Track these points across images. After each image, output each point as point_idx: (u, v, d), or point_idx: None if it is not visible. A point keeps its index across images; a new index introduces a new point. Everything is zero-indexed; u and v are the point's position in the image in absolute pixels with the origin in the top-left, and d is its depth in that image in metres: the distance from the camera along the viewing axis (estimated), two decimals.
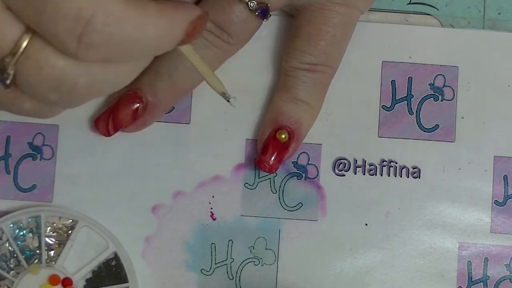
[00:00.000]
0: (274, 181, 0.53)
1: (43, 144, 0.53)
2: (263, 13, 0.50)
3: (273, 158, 0.51)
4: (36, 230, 0.52)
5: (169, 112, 0.53)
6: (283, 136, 0.51)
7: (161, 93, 0.50)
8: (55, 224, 0.52)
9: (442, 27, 0.54)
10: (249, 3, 0.49)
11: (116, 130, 0.51)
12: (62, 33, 0.38)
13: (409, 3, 0.54)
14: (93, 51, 0.39)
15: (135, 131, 0.52)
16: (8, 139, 0.53)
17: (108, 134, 0.51)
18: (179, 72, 0.50)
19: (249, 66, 0.53)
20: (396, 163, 0.54)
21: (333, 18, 0.50)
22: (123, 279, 0.52)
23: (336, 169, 0.53)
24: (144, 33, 0.39)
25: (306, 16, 0.50)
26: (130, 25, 0.39)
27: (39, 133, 0.53)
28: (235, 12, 0.49)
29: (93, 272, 0.52)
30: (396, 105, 0.54)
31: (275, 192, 0.53)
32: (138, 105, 0.51)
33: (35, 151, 0.53)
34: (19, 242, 0.52)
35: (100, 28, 0.38)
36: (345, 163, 0.53)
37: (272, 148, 0.51)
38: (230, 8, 0.49)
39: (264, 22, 0.50)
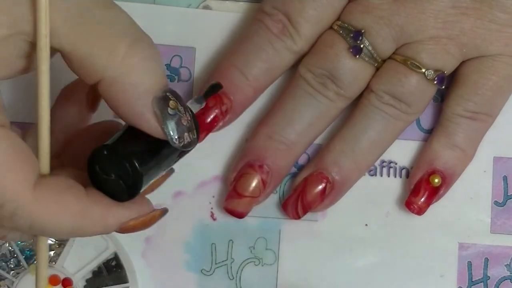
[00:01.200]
0: None
1: None
2: (441, 80, 0.50)
3: (422, 200, 0.52)
4: None
5: None
6: (436, 180, 0.51)
7: (347, 170, 0.51)
8: None
9: None
10: (425, 72, 0.49)
11: (305, 212, 0.51)
12: None
13: None
14: (7, 228, 0.40)
15: (322, 210, 0.52)
16: None
17: (298, 217, 0.51)
18: (362, 147, 0.51)
19: None
20: (396, 163, 0.54)
21: (502, 70, 0.50)
22: (123, 279, 0.52)
23: None
24: (56, 226, 0.40)
25: (475, 65, 0.50)
26: (40, 218, 0.39)
27: None
28: (413, 83, 0.50)
29: (93, 272, 0.52)
30: None
31: (275, 192, 0.53)
32: (325, 185, 0.51)
33: None
34: (19, 242, 0.52)
35: (9, 217, 0.39)
36: None
37: (423, 191, 0.52)
38: (407, 80, 0.50)
39: None
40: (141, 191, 0.42)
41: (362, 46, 0.49)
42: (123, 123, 0.42)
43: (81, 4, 0.39)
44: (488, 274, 0.53)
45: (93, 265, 0.52)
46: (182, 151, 0.43)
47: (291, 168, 0.52)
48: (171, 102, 0.41)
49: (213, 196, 0.53)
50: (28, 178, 0.39)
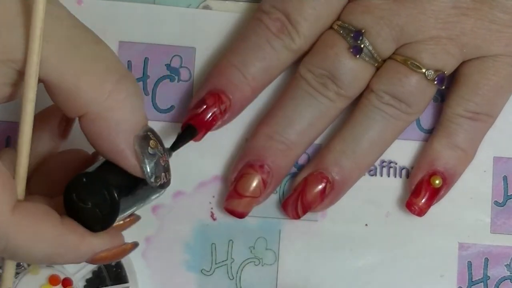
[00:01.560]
0: None
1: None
2: (441, 81, 0.50)
3: (423, 201, 0.52)
4: None
5: (170, 112, 0.53)
6: (437, 181, 0.51)
7: (347, 170, 0.51)
8: None
9: None
10: (426, 72, 0.49)
11: (305, 212, 0.51)
12: None
13: None
14: None
15: (321, 210, 0.52)
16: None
17: (298, 217, 0.52)
18: (363, 148, 0.51)
19: None
20: (396, 163, 0.54)
21: (503, 70, 0.50)
22: (123, 279, 0.52)
23: None
24: (30, 250, 0.40)
25: (476, 65, 0.50)
26: (15, 241, 0.39)
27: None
28: (413, 83, 0.50)
29: (93, 272, 0.52)
30: None
31: (275, 192, 0.53)
32: (325, 185, 0.51)
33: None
34: None
35: None
36: None
37: (424, 192, 0.52)
38: (407, 80, 0.50)
39: None
40: (115, 222, 0.42)
41: (362, 46, 0.49)
42: (90, 152, 0.43)
43: (71, 38, 0.40)
44: (488, 274, 0.53)
45: (93, 265, 0.52)
46: (157, 192, 0.43)
47: (291, 168, 0.52)
48: (151, 141, 0.41)
49: (213, 196, 0.53)
50: (6, 201, 0.39)
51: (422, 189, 0.52)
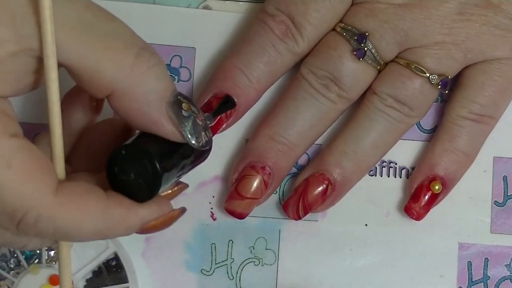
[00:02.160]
0: None
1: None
2: (444, 85, 0.50)
3: (421, 206, 0.52)
4: None
5: None
6: (437, 187, 0.51)
7: (348, 171, 0.51)
8: None
9: None
10: (430, 77, 0.49)
11: (306, 213, 0.51)
12: (3, 221, 0.40)
13: None
14: (31, 236, 0.41)
15: (322, 211, 0.52)
16: None
17: (298, 218, 0.52)
18: (364, 149, 0.51)
19: None
20: (396, 164, 0.54)
21: (509, 72, 0.51)
22: (123, 279, 0.52)
23: None
24: (79, 229, 0.40)
25: (481, 67, 0.50)
26: (63, 222, 0.39)
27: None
28: (417, 86, 0.50)
29: (93, 272, 0.52)
30: None
31: (276, 192, 0.53)
32: (326, 186, 0.51)
33: None
34: None
35: (32, 224, 0.39)
36: None
37: (423, 197, 0.52)
38: (411, 83, 0.50)
39: None
40: (160, 190, 0.42)
41: (365, 49, 0.49)
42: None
43: (85, 18, 0.40)
44: (488, 274, 0.53)
45: (93, 265, 0.52)
46: (197, 155, 0.43)
47: (291, 168, 0.52)
48: (184, 104, 0.41)
49: (213, 196, 0.53)
50: (49, 185, 0.39)
51: (422, 194, 0.52)
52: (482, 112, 0.51)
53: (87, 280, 0.52)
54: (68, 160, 0.44)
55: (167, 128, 0.41)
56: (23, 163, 0.39)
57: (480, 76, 0.51)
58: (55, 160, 0.41)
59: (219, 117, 0.50)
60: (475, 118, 0.51)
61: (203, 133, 0.42)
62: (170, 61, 0.53)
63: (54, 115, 0.40)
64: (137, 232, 0.42)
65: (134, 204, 0.42)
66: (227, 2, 0.54)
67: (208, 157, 0.53)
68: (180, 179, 0.45)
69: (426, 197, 0.52)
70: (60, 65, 0.40)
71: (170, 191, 0.45)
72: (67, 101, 0.44)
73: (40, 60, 0.40)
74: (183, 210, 0.45)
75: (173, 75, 0.53)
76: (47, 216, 0.39)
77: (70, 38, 0.39)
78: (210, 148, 0.43)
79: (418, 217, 0.52)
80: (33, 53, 0.39)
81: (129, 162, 0.41)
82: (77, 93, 0.45)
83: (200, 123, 0.42)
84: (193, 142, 0.42)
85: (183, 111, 0.41)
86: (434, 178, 0.51)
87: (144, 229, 0.42)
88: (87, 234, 0.41)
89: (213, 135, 0.50)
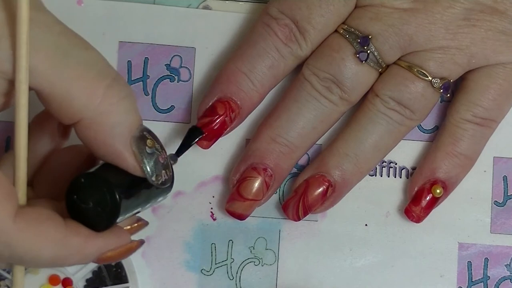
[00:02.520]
0: None
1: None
2: (446, 89, 0.50)
3: (422, 210, 0.52)
4: None
5: (170, 112, 0.53)
6: (438, 191, 0.51)
7: (349, 173, 0.51)
8: None
9: None
10: (432, 80, 0.49)
11: (306, 214, 0.51)
12: None
13: None
14: None
15: (322, 212, 0.52)
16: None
17: (298, 219, 0.52)
18: (365, 151, 0.51)
19: None
20: (396, 164, 0.54)
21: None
22: (123, 279, 0.52)
23: None
24: (35, 255, 0.40)
25: (485, 70, 0.50)
26: (19, 248, 0.39)
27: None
28: (419, 90, 0.50)
29: (93, 272, 0.52)
30: None
31: (276, 192, 0.53)
32: (326, 187, 0.51)
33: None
34: None
35: None
36: None
37: (424, 200, 0.52)
38: (413, 86, 0.50)
39: None
40: (119, 220, 0.42)
41: (368, 52, 0.49)
42: None
43: (60, 45, 0.40)
44: (488, 274, 0.53)
45: (93, 265, 0.52)
46: (157, 191, 0.43)
47: (292, 169, 0.52)
48: (148, 141, 0.41)
49: (213, 196, 0.53)
50: (8, 210, 0.39)
51: (422, 197, 0.52)
52: (486, 115, 0.51)
53: (87, 280, 0.52)
54: (30, 184, 0.44)
55: (129, 162, 0.41)
56: None
57: (485, 80, 0.50)
58: (18, 184, 0.41)
59: (222, 120, 0.50)
60: (478, 121, 0.51)
61: (163, 171, 0.42)
62: (170, 61, 0.53)
63: (21, 140, 0.40)
64: (94, 262, 0.42)
65: (92, 234, 0.42)
66: (227, 2, 0.54)
67: (208, 157, 0.53)
68: (143, 212, 0.45)
69: (427, 200, 0.52)
70: (30, 88, 0.39)
71: (129, 227, 0.45)
72: (35, 124, 0.44)
73: (10, 83, 0.40)
74: (141, 242, 0.45)
75: (173, 75, 0.53)
76: (3, 241, 0.39)
77: (44, 64, 0.39)
78: (171, 186, 0.44)
79: (418, 220, 0.52)
80: (5, 75, 0.39)
81: (88, 190, 0.41)
82: (46, 117, 0.44)
83: (162, 161, 0.42)
84: (153, 179, 0.42)
85: (147, 147, 0.41)
86: (436, 181, 0.51)
87: (101, 259, 0.42)
88: (42, 262, 0.41)
89: (217, 139, 0.50)
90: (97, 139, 0.41)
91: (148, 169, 0.42)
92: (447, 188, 0.52)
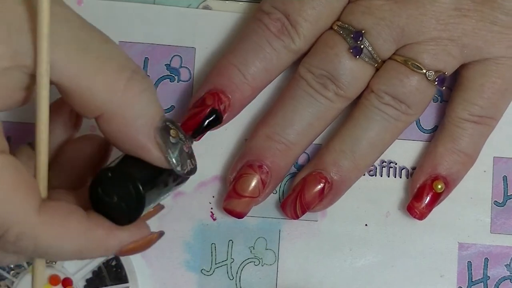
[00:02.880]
0: None
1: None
2: (441, 81, 0.50)
3: (424, 205, 0.52)
4: None
5: (170, 112, 0.53)
6: (440, 186, 0.51)
7: (346, 170, 0.51)
8: None
9: None
10: (426, 73, 0.49)
11: (304, 212, 0.51)
12: None
13: None
14: (9, 252, 0.41)
15: (321, 210, 0.52)
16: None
17: (296, 217, 0.51)
18: (362, 148, 0.51)
19: None
20: (396, 164, 0.54)
21: (507, 72, 0.50)
22: (123, 279, 0.52)
23: None
24: (59, 248, 0.40)
25: (480, 69, 0.50)
26: (44, 241, 0.40)
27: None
28: (414, 83, 0.50)
29: (93, 272, 0.52)
30: None
31: (275, 192, 0.53)
32: (323, 185, 0.51)
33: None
34: None
35: (13, 241, 0.39)
36: None
37: (426, 197, 0.52)
38: (408, 80, 0.50)
39: None
40: (142, 215, 0.42)
41: (362, 46, 0.49)
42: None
43: (80, 39, 0.40)
44: (488, 274, 0.53)
45: (93, 265, 0.52)
46: (180, 180, 0.43)
47: (290, 168, 0.52)
48: (172, 131, 0.41)
49: (213, 196, 0.53)
50: (32, 203, 0.39)
51: (424, 194, 0.52)
52: (482, 113, 0.51)
53: (87, 280, 0.52)
54: None
55: (154, 154, 0.41)
56: (8, 180, 0.39)
57: (479, 78, 0.51)
58: (39, 178, 0.41)
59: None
60: (475, 119, 0.51)
61: (188, 160, 0.42)
62: (170, 61, 0.53)
63: (42, 133, 0.40)
64: (115, 254, 0.42)
65: (114, 227, 0.42)
66: (227, 2, 0.54)
67: (208, 157, 0.53)
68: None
69: (429, 196, 0.52)
70: (51, 83, 0.39)
71: (146, 212, 0.45)
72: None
73: (31, 77, 0.40)
74: (161, 234, 0.45)
75: (173, 75, 0.53)
76: (29, 234, 0.39)
77: (64, 57, 0.39)
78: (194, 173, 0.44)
79: (421, 217, 0.52)
80: (26, 69, 0.39)
81: (114, 185, 0.41)
82: (58, 109, 0.44)
83: (187, 150, 0.42)
84: (179, 169, 0.42)
85: (171, 137, 0.41)
86: (437, 177, 0.51)
87: (123, 251, 0.42)
88: (66, 254, 0.41)
89: (206, 132, 0.50)
90: (120, 132, 0.41)
91: (174, 160, 0.41)
92: (448, 184, 0.52)
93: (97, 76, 0.40)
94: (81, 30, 0.40)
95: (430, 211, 0.52)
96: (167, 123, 0.41)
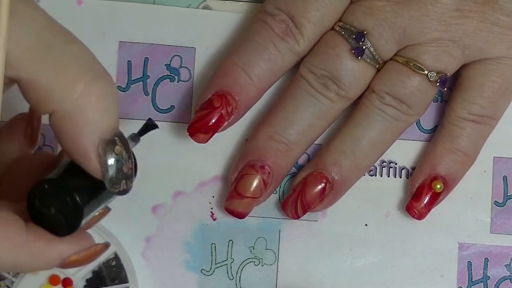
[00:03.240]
0: None
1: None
2: (443, 82, 0.50)
3: (423, 205, 0.52)
4: None
5: (170, 112, 0.53)
6: (439, 186, 0.51)
7: (346, 170, 0.51)
8: None
9: None
10: (428, 74, 0.49)
11: (304, 212, 0.51)
12: None
13: None
14: None
15: (321, 210, 0.52)
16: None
17: (297, 217, 0.51)
18: (363, 148, 0.51)
19: None
20: (396, 164, 0.54)
21: (508, 72, 0.50)
22: (123, 279, 0.52)
23: None
24: None
25: (479, 68, 0.50)
26: None
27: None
28: (415, 84, 0.50)
29: (93, 272, 0.52)
30: None
31: (275, 192, 0.53)
32: (324, 185, 0.51)
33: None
34: None
35: None
36: None
37: (425, 196, 0.52)
38: (409, 81, 0.50)
39: None
40: (81, 225, 0.41)
41: (364, 47, 0.49)
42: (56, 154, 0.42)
43: (43, 38, 0.39)
44: (488, 274, 0.53)
45: (93, 265, 0.52)
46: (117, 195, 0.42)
47: (291, 168, 0.52)
48: (117, 147, 0.40)
49: (213, 196, 0.53)
50: None
51: (423, 193, 0.52)
52: (482, 113, 0.51)
53: (87, 280, 0.52)
54: None
55: (93, 165, 0.40)
56: None
57: (480, 78, 0.51)
58: None
59: (219, 113, 0.50)
60: (475, 119, 0.51)
61: (124, 181, 0.41)
62: (170, 61, 0.53)
63: None
64: (59, 267, 0.41)
65: (54, 238, 0.41)
66: (227, 2, 0.54)
67: (208, 157, 0.53)
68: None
69: (428, 196, 0.52)
70: (10, 79, 0.39)
71: (89, 219, 0.44)
72: (7, 129, 0.44)
73: None
74: (106, 245, 0.44)
75: (173, 75, 0.53)
76: None
77: (24, 56, 0.39)
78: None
79: (420, 217, 0.52)
80: None
81: (50, 197, 0.41)
82: (14, 125, 0.44)
83: (126, 171, 0.41)
84: (111, 186, 0.41)
85: (114, 153, 0.40)
86: (436, 177, 0.51)
87: (65, 264, 0.41)
88: (3, 266, 0.40)
89: (213, 134, 0.50)
90: (67, 133, 0.40)
91: (109, 175, 0.40)
92: (447, 184, 0.52)
93: (56, 76, 0.39)
94: (46, 29, 0.40)
95: (429, 211, 0.52)
96: (116, 138, 0.40)
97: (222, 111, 0.50)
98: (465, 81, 0.51)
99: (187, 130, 0.51)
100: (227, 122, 0.50)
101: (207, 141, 0.50)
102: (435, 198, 0.52)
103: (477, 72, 0.51)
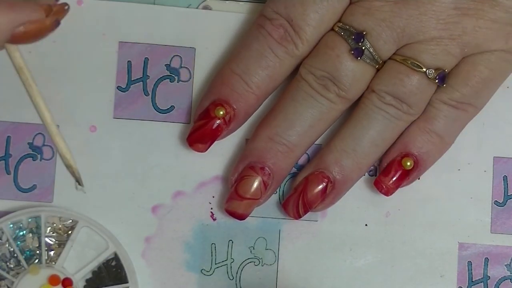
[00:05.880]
0: None
1: (44, 144, 0.53)
2: (442, 79, 0.50)
3: (391, 181, 0.52)
4: (36, 230, 0.52)
5: (170, 112, 0.53)
6: (408, 163, 0.51)
7: (348, 170, 0.51)
8: (55, 225, 0.52)
9: None
10: (426, 71, 0.49)
11: (306, 211, 0.51)
12: None
13: None
14: None
15: (322, 209, 0.52)
16: (8, 139, 0.53)
17: (298, 216, 0.51)
18: (363, 147, 0.51)
19: None
20: None
21: (497, 64, 0.51)
22: (123, 279, 0.52)
23: None
24: None
25: (471, 59, 0.50)
26: None
27: (40, 133, 0.53)
28: (414, 82, 0.50)
29: (93, 272, 0.52)
30: None
31: (276, 192, 0.53)
32: (326, 184, 0.51)
33: (35, 151, 0.53)
34: (19, 243, 0.52)
35: None
36: None
37: (394, 172, 0.51)
38: (408, 80, 0.50)
39: None
40: None
41: (363, 48, 0.49)
42: None
43: None
44: (488, 274, 0.53)
45: (93, 265, 0.52)
46: None
47: (291, 169, 0.52)
48: None
49: (213, 196, 0.53)
50: None
51: (392, 169, 0.52)
52: (462, 100, 0.51)
53: (87, 280, 0.52)
54: None
55: None
56: None
57: (467, 66, 0.50)
58: None
59: (216, 122, 0.50)
60: (454, 104, 0.51)
61: None
62: (170, 61, 0.53)
63: None
64: (8, 41, 0.41)
65: (5, 5, 0.41)
66: (227, 2, 0.54)
67: (208, 157, 0.53)
68: None
69: (398, 173, 0.51)
70: None
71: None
72: None
73: None
74: (57, 22, 0.43)
75: (173, 75, 0.53)
76: None
77: None
78: None
79: (387, 192, 0.52)
80: None
81: None
82: None
83: None
84: None
85: None
86: (407, 154, 0.51)
87: (15, 36, 0.41)
88: None
89: (213, 142, 0.50)
90: None
91: None
92: (418, 163, 0.51)
93: None
94: None
95: (397, 187, 0.52)
96: None
97: (219, 120, 0.50)
98: (454, 68, 0.51)
99: (186, 140, 0.51)
100: (226, 131, 0.51)
101: (206, 150, 0.51)
102: (405, 175, 0.51)
103: (466, 60, 0.51)
